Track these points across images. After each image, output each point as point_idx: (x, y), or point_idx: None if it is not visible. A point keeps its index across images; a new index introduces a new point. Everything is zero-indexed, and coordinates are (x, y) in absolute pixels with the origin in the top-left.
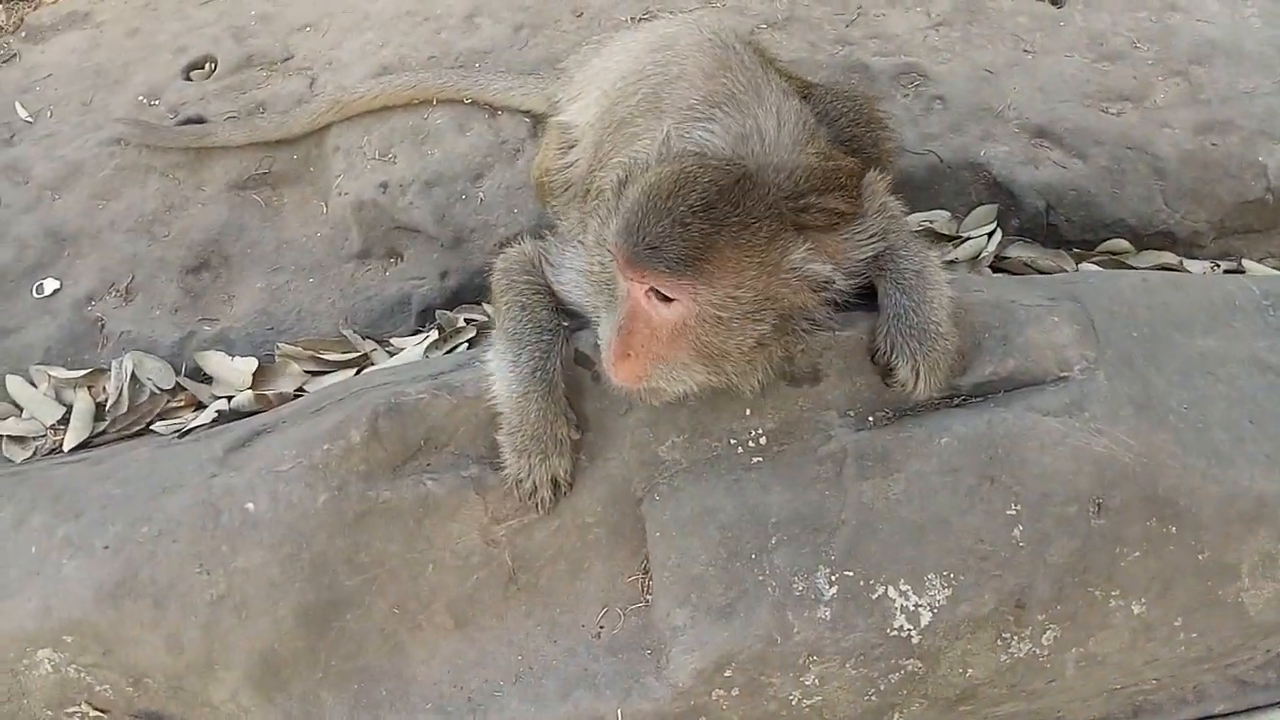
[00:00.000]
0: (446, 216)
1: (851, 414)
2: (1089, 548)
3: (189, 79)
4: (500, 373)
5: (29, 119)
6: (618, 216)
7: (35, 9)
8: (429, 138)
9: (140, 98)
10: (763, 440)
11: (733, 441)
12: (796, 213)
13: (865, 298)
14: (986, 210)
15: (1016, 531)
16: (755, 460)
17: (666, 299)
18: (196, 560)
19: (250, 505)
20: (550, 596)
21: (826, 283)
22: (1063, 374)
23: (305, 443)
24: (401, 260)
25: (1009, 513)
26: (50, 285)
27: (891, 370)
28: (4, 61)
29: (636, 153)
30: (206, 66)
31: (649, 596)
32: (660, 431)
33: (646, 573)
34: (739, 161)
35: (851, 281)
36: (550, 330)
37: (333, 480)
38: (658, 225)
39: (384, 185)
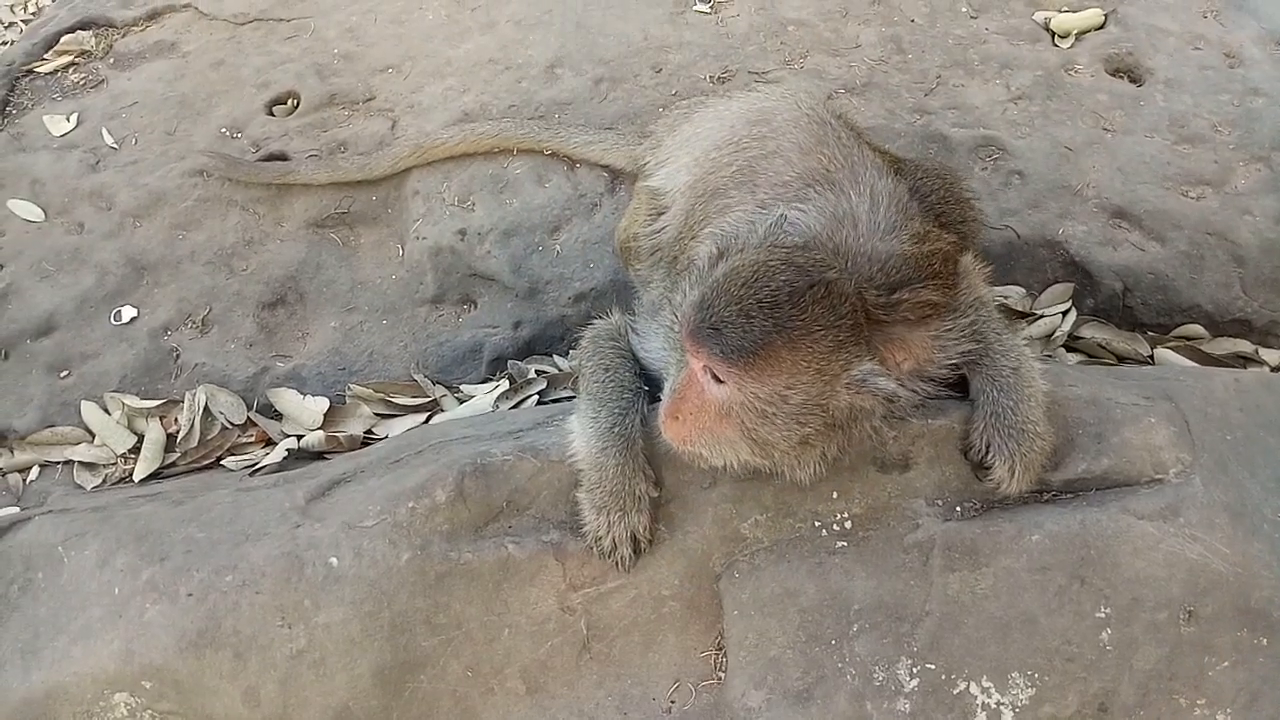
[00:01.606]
0: (523, 267)
1: (940, 503)
2: (1177, 655)
3: (271, 114)
4: (579, 430)
5: (114, 145)
6: (699, 288)
7: (124, 36)
8: (508, 187)
9: (223, 130)
10: (848, 524)
11: (817, 524)
12: (888, 309)
13: (956, 384)
14: (1062, 288)
15: (1105, 635)
16: (840, 544)
17: (719, 380)
18: (279, 613)
19: (334, 560)
20: (623, 667)
21: (891, 399)
22: (1158, 476)
23: (390, 499)
24: (475, 308)
25: (1098, 615)
26: (128, 313)
27: (986, 467)
28: (92, 87)
29: (730, 225)
30: (289, 102)
31: (722, 674)
32: (743, 508)
33: (720, 649)
34: (825, 265)
35: (944, 375)
36: (631, 390)
37: (416, 539)
38: (725, 310)
39: (462, 232)
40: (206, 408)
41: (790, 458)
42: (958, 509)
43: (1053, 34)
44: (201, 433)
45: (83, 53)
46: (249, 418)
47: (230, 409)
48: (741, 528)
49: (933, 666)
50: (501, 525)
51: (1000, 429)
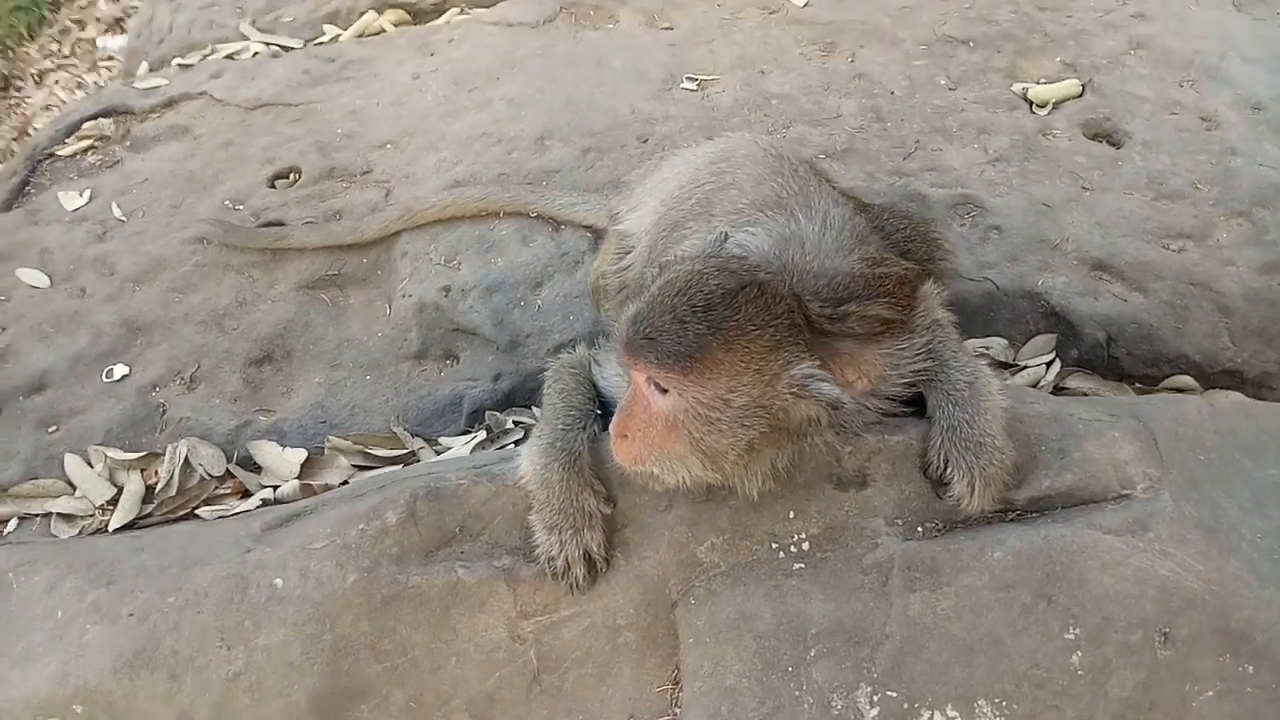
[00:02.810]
0: (504, 321)
1: (899, 522)
2: (1155, 681)
3: (273, 187)
4: (526, 451)
5: (122, 218)
6: (636, 303)
7: (142, 122)
8: (493, 247)
9: (226, 202)
10: (805, 545)
11: (774, 545)
12: (834, 320)
13: (913, 404)
14: (1045, 339)
15: (1075, 658)
16: (797, 566)
17: (662, 389)
18: (219, 634)
19: (279, 581)
20: (574, 701)
21: (835, 405)
22: (1124, 492)
23: (341, 521)
24: (458, 362)
25: (1067, 636)
26: (120, 371)
27: (945, 484)
28: (108, 167)
29: (683, 250)
30: (291, 176)
31: (678, 710)
32: (700, 531)
33: (677, 684)
34: (758, 268)
35: (898, 393)
36: (578, 409)
37: (364, 561)
38: (660, 319)
39: (446, 289)
40: (187, 460)
41: (740, 468)
42: (919, 530)
43: (1030, 103)
44: (180, 484)
45: (102, 137)
46: (228, 470)
47: (210, 461)
48: (698, 551)
49: (894, 694)
50: (453, 550)
51: (957, 442)
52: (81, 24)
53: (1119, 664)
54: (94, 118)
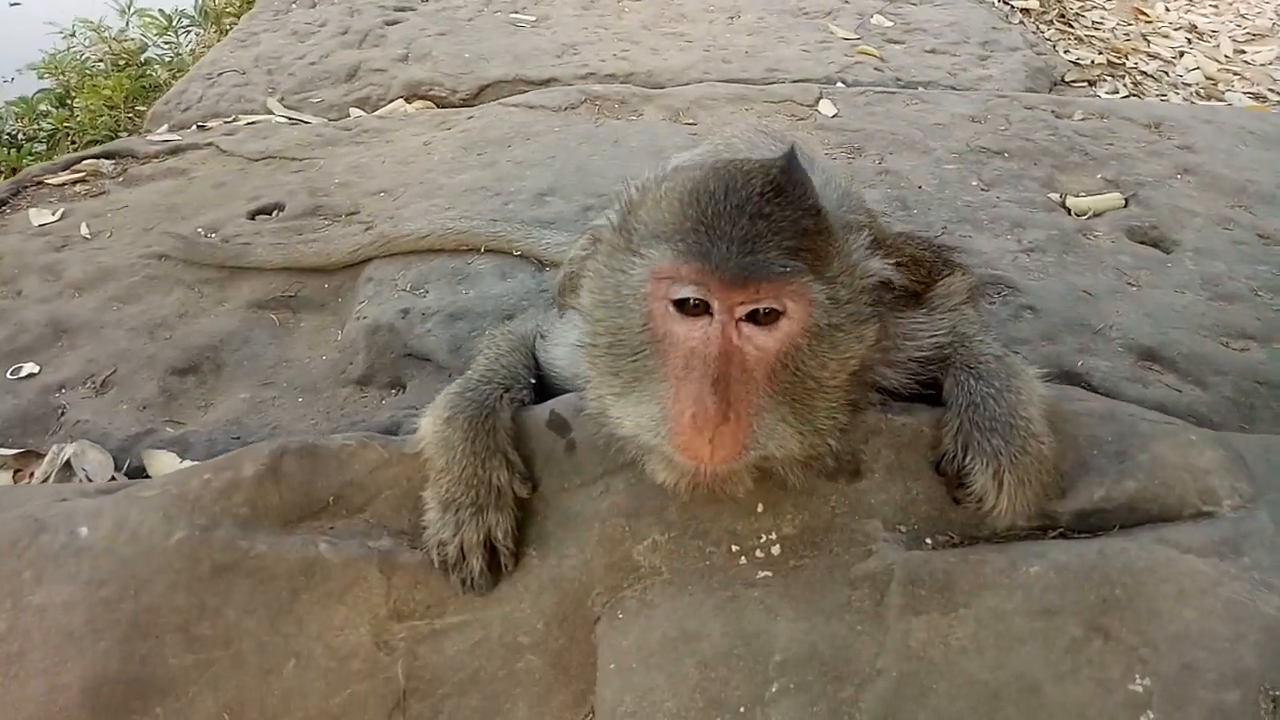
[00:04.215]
0: (463, 348)
1: (902, 529)
2: None
3: (252, 219)
4: (429, 406)
5: (88, 235)
6: (652, 245)
7: (143, 165)
8: (467, 279)
9: (199, 230)
10: (775, 549)
11: (735, 547)
12: None
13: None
14: None
15: (1145, 719)
16: (762, 574)
17: (767, 320)
18: None
19: (84, 530)
20: None
21: (886, 284)
22: (1206, 508)
23: (186, 473)
24: (403, 390)
25: (1133, 688)
26: (29, 369)
27: (964, 480)
28: (93, 196)
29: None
30: (274, 213)
31: None
32: (640, 525)
33: None
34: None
35: (911, 371)
36: (508, 370)
37: (200, 518)
38: (735, 226)
39: (405, 311)
40: (69, 463)
41: (835, 409)
42: (927, 541)
43: (1069, 210)
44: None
45: (96, 173)
46: (114, 478)
47: (95, 467)
48: (635, 551)
49: None
50: (321, 524)
51: (980, 422)
52: None
53: None
54: (95, 157)
